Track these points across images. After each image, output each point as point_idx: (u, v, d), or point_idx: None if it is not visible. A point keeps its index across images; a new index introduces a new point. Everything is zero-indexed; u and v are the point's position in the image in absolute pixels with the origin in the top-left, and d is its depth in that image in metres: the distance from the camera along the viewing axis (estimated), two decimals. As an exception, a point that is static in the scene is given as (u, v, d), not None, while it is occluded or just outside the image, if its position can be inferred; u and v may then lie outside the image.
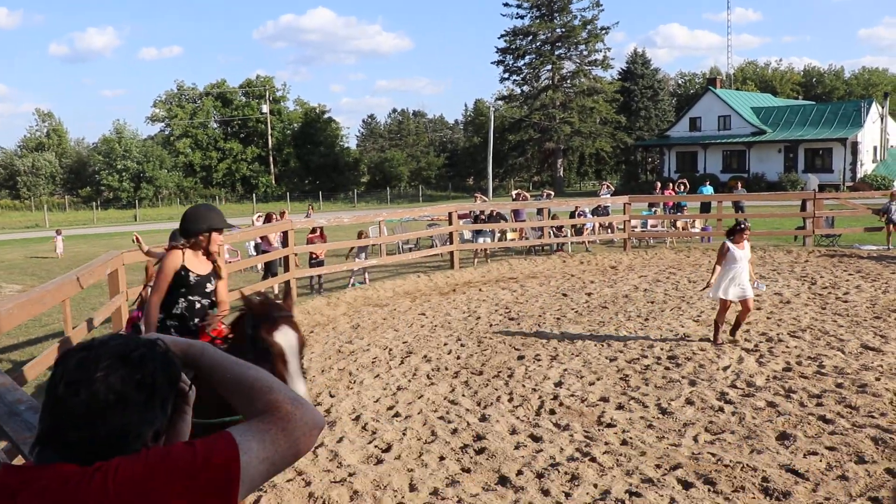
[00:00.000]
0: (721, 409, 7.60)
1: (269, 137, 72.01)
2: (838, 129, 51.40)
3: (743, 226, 10.49)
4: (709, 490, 5.78)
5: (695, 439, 6.83)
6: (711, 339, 10.43)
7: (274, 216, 18.49)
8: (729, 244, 10.31)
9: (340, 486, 5.99)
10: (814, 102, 64.56)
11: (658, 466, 6.24)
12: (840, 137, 50.48)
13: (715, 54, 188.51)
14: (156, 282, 5.49)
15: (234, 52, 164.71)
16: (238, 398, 1.77)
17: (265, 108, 71.39)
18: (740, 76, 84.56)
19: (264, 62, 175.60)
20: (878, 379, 8.48)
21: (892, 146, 56.58)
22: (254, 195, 63.54)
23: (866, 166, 51.84)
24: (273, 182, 71.25)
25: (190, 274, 5.46)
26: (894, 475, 5.97)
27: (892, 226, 20.00)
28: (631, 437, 6.89)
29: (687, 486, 5.86)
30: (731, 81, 77.63)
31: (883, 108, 54.97)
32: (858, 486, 5.79)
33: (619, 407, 7.80)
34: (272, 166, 72.44)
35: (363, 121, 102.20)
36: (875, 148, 54.12)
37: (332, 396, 8.48)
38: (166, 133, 72.26)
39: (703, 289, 10.38)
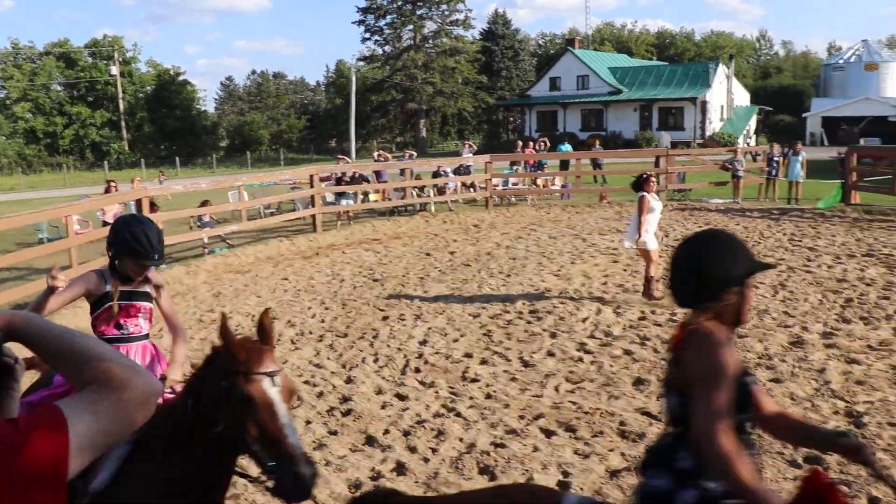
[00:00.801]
0: (581, 359, 7.85)
1: (121, 101, 68.57)
2: (689, 89, 53.65)
3: (647, 175, 10.56)
4: (570, 436, 5.97)
5: (556, 389, 7.02)
6: (646, 294, 10.23)
7: (112, 186, 17.53)
8: (647, 195, 10.28)
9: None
10: (667, 63, 67.00)
11: (521, 417, 6.38)
12: (691, 97, 52.74)
13: (574, 15, 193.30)
14: (714, 387, 2.39)
15: (76, 9, 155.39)
16: (67, 369, 1.64)
17: (114, 70, 67.67)
18: (598, 37, 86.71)
19: (111, 20, 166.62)
20: (723, 323, 8.94)
21: (736, 105, 59.54)
22: (105, 162, 60.35)
23: (714, 124, 54.38)
24: (126, 148, 67.96)
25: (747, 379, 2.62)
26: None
27: (737, 180, 21.12)
28: (495, 391, 7.02)
29: (549, 434, 6.03)
30: (590, 42, 79.50)
31: (729, 69, 57.78)
32: (707, 425, 6.09)
33: (483, 362, 7.92)
34: (124, 131, 69.07)
35: (221, 83, 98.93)
36: (722, 107, 56.81)
37: (193, 368, 8.20)
38: (1, 96, 67.43)
39: (638, 240, 10.27)
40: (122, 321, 4.12)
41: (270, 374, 2.80)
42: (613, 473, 5.34)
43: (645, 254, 10.27)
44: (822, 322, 8.98)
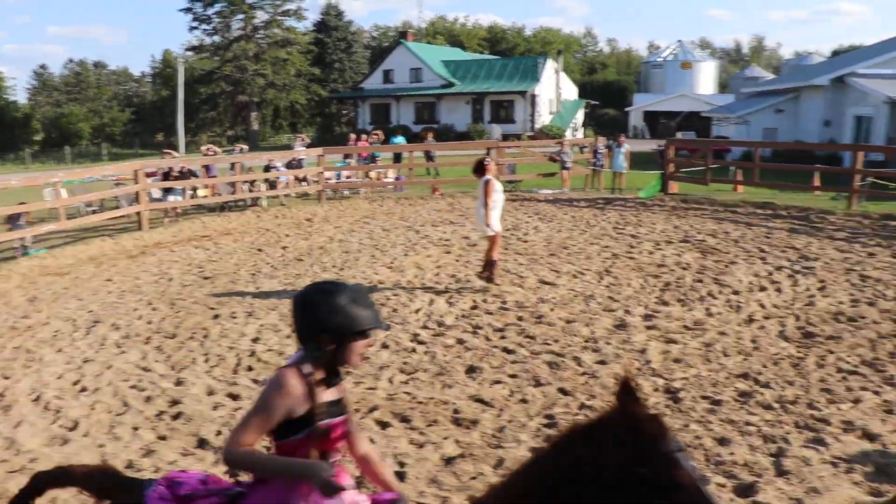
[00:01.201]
0: (414, 350, 7.92)
1: None
2: (520, 83, 55.12)
3: (487, 160, 10.69)
4: (405, 427, 6.01)
5: (390, 381, 7.05)
6: (488, 279, 10.43)
7: None
8: (492, 178, 10.39)
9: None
10: (498, 57, 68.54)
11: (356, 410, 6.35)
12: (521, 90, 54.23)
13: (407, 8, 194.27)
14: None
15: None
16: None
17: None
18: (431, 31, 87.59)
19: None
20: (552, 310, 9.30)
21: (564, 99, 61.80)
22: None
23: (544, 117, 56.21)
24: (-81, 141, 62.20)
25: None
26: (565, 393, 6.58)
27: (565, 171, 21.94)
28: (329, 386, 6.94)
29: (384, 425, 6.05)
30: (423, 35, 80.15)
31: (557, 64, 59.96)
32: (536, 407, 6.31)
33: (317, 357, 7.82)
34: (-86, 122, 63.14)
35: (34, 72, 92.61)
36: (551, 100, 58.79)
37: (6, 378, 7.65)
38: None
39: (487, 228, 10.33)
40: (324, 449, 2.88)
41: (683, 450, 2.18)
42: (448, 461, 5.42)
43: (490, 238, 10.42)
44: (644, 305, 9.48)
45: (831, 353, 7.49)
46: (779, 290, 10.08)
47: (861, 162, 18.59)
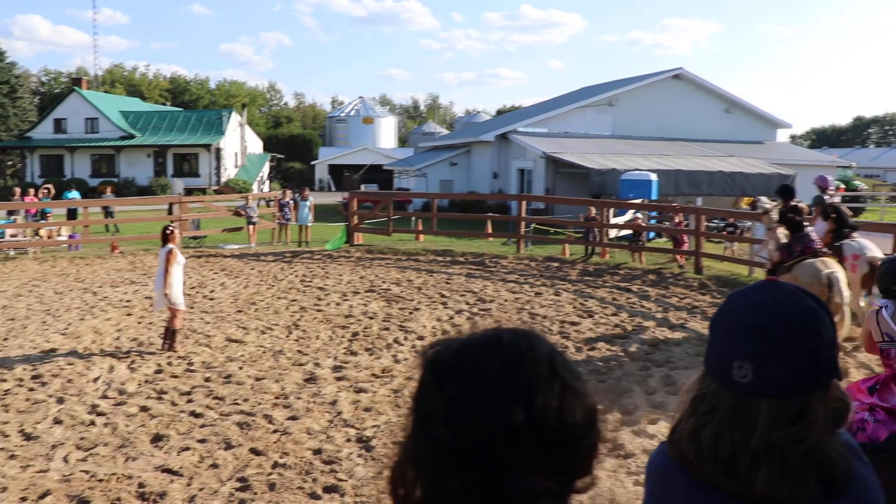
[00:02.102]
0: (93, 423, 7.36)
1: None
2: (204, 136, 54.04)
3: (171, 228, 10.42)
4: (82, 510, 5.56)
5: (65, 460, 6.49)
6: (170, 348, 10.01)
7: None
8: (176, 248, 10.10)
9: None
10: (181, 109, 66.70)
11: (24, 499, 5.77)
12: (205, 143, 53.17)
13: (82, 54, 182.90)
14: None
15: None
16: None
17: None
18: (109, 79, 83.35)
19: None
20: (241, 368, 9.14)
21: (250, 153, 61.50)
22: None
23: (230, 171, 55.50)
24: None
25: None
26: (257, 453, 6.48)
27: (251, 226, 21.78)
28: (-10, 473, 6.25)
29: (58, 511, 5.55)
30: (100, 83, 75.90)
31: (242, 117, 59.60)
32: (228, 471, 6.15)
33: (-24, 441, 7.02)
34: None
35: None
36: (236, 154, 58.24)
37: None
38: None
39: (170, 296, 9.97)
40: None
41: None
42: (131, 540, 5.10)
43: (172, 309, 10.14)
44: (333, 356, 9.64)
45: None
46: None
47: (525, 210, 20.53)
